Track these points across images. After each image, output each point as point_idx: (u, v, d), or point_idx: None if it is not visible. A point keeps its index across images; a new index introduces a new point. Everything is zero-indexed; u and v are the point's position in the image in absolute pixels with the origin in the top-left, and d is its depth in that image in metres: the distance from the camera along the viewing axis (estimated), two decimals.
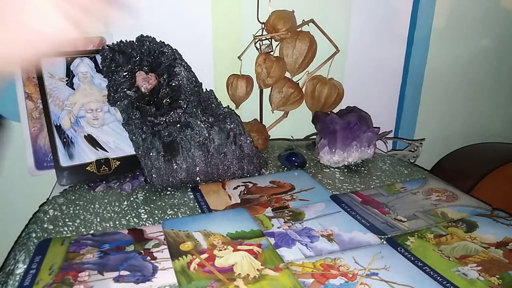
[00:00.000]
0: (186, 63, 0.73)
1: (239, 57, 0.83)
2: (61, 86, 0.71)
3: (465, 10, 1.00)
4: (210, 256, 0.48)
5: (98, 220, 0.58)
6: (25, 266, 0.48)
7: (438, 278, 0.45)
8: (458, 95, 1.09)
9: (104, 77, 0.72)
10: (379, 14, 0.93)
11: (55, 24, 0.32)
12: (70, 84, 0.72)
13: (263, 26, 0.82)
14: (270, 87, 0.86)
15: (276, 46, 0.84)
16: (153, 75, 0.71)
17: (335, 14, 0.90)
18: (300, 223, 0.56)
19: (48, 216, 0.59)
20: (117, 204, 0.63)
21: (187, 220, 0.56)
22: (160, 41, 0.73)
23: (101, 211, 0.61)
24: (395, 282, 0.44)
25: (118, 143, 0.72)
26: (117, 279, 0.44)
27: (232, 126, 0.70)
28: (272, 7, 0.83)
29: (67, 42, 0.37)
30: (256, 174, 0.73)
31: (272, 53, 0.83)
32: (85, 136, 0.71)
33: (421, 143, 0.91)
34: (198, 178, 0.68)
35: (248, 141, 0.71)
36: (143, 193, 0.67)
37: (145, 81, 0.70)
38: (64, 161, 0.69)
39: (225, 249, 0.49)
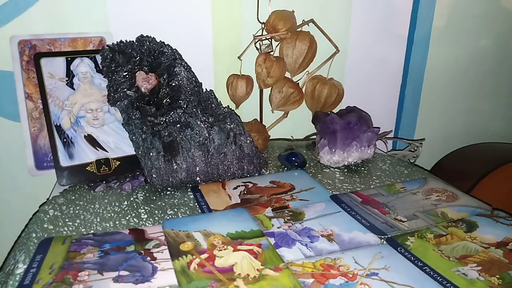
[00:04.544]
0: (186, 63, 0.73)
1: (239, 57, 0.83)
2: (61, 86, 0.71)
3: (465, 10, 1.00)
4: (210, 256, 0.48)
5: (98, 220, 0.58)
6: (25, 266, 0.48)
7: (438, 278, 0.45)
8: (458, 95, 1.09)
9: (104, 77, 0.72)
10: (379, 14, 0.93)
11: None
12: (70, 84, 0.72)
13: (263, 26, 0.82)
14: (270, 87, 0.86)
15: (276, 46, 0.84)
16: (153, 75, 0.71)
17: (335, 14, 0.90)
18: (300, 223, 0.56)
19: (48, 216, 0.59)
20: (117, 204, 0.63)
21: (187, 220, 0.56)
22: (160, 41, 0.73)
23: (101, 211, 0.61)
24: (395, 282, 0.44)
25: (118, 143, 0.72)
26: (116, 279, 0.44)
27: (232, 126, 0.70)
28: (272, 7, 0.83)
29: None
30: (256, 174, 0.73)
31: (272, 53, 0.83)
32: (85, 136, 0.71)
33: (421, 143, 0.91)
34: (198, 178, 0.68)
35: (248, 141, 0.71)
36: (143, 193, 0.67)
37: (145, 81, 0.70)
38: (64, 161, 0.69)
39: (225, 249, 0.49)
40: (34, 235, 0.54)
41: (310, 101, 0.88)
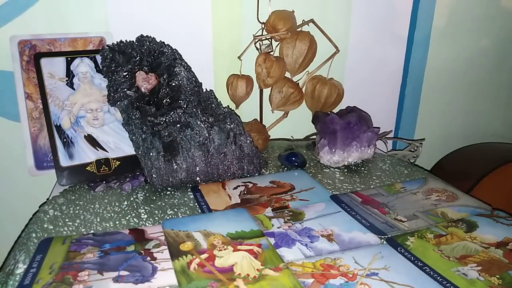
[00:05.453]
0: (186, 63, 0.73)
1: (239, 57, 0.83)
2: (61, 86, 0.71)
3: (465, 10, 1.00)
4: (210, 256, 0.48)
5: (98, 220, 0.58)
6: (25, 266, 0.48)
7: (438, 278, 0.45)
8: (458, 95, 1.09)
9: (104, 77, 0.72)
10: (379, 14, 0.93)
11: None
12: (70, 84, 0.72)
13: (263, 26, 0.82)
14: (270, 87, 0.86)
15: (276, 46, 0.84)
16: (153, 75, 0.71)
17: (335, 14, 0.90)
18: (300, 223, 0.56)
19: (48, 216, 0.59)
20: (117, 204, 0.63)
21: (187, 220, 0.56)
22: (160, 41, 0.73)
23: (101, 211, 0.61)
24: (395, 282, 0.44)
25: (118, 143, 0.72)
26: (116, 279, 0.44)
27: (232, 126, 0.70)
28: (272, 7, 0.83)
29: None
30: (256, 174, 0.73)
31: (272, 53, 0.83)
32: (85, 136, 0.71)
33: (421, 143, 0.91)
34: (198, 178, 0.68)
35: (248, 141, 0.71)
36: (143, 193, 0.67)
37: (145, 81, 0.70)
38: (64, 161, 0.69)
39: (225, 249, 0.49)
40: (34, 235, 0.54)
41: (310, 101, 0.88)
